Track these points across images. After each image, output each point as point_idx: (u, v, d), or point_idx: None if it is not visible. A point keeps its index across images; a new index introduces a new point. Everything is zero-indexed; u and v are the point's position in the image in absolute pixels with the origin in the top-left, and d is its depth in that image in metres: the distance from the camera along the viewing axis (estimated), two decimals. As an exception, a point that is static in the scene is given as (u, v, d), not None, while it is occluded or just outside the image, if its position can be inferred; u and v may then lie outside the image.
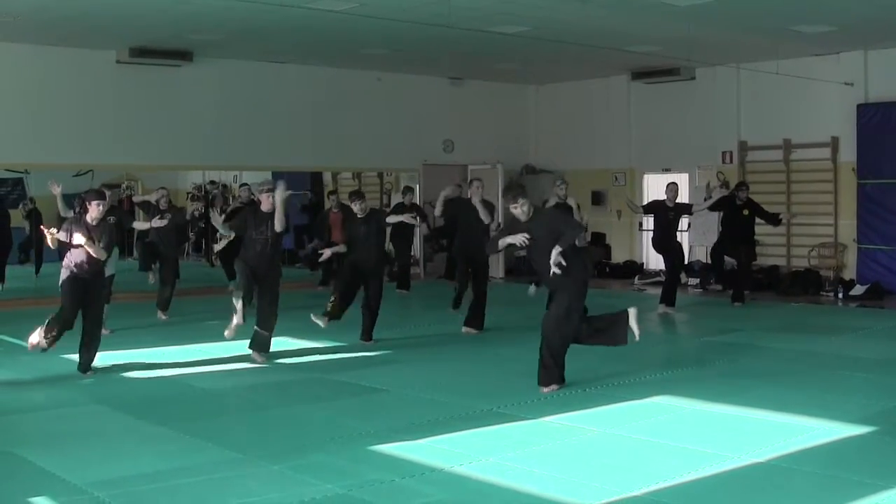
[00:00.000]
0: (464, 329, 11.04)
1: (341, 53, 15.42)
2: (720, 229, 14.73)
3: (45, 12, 11.96)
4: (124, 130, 14.96)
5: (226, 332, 9.40)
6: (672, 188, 13.13)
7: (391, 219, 11.37)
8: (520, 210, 7.73)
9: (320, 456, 6.08)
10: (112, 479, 5.61)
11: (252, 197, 14.25)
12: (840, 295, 14.63)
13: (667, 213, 12.91)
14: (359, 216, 10.47)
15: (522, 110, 19.82)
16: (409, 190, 16.47)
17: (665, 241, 13.05)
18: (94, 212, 8.70)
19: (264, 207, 9.43)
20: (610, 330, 7.89)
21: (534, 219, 7.79)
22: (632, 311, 7.86)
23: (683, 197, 17.15)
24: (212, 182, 19.40)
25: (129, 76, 14.92)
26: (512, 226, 7.94)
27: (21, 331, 11.48)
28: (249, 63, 15.93)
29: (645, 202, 16.10)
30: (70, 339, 8.93)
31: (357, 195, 10.70)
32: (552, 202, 11.51)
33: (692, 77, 17.05)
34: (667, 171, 17.77)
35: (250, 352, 9.49)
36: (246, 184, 15.87)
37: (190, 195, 19.68)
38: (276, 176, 19.07)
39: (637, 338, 7.88)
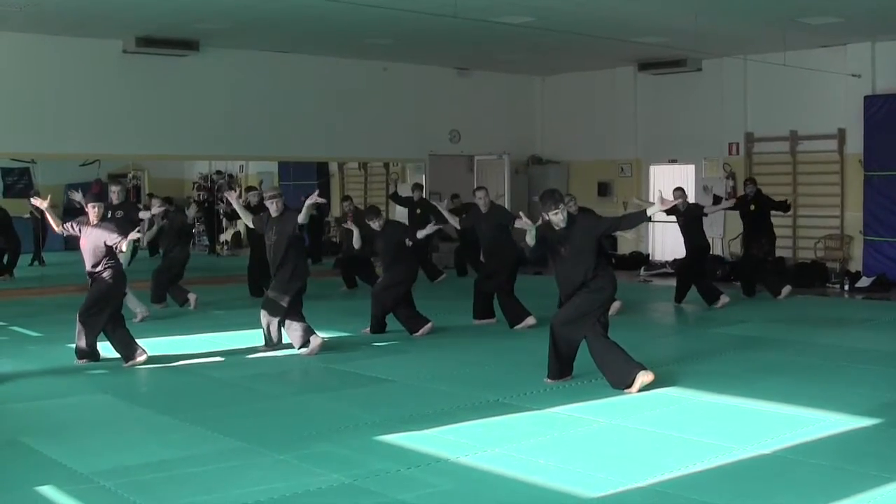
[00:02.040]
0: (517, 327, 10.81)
1: (347, 43, 15.39)
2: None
3: (49, 2, 11.93)
4: (130, 120, 14.94)
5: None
6: (678, 194, 12.98)
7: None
8: (560, 216, 7.57)
9: (326, 446, 6.08)
10: (118, 468, 5.63)
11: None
12: (846, 287, 14.58)
13: (680, 218, 12.79)
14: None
15: (529, 101, 19.78)
16: (418, 187, 16.47)
17: (686, 242, 13.00)
18: (92, 214, 8.89)
19: (273, 213, 9.42)
20: (616, 365, 7.58)
21: (570, 225, 7.64)
22: (644, 374, 7.48)
23: (689, 188, 17.16)
24: (218, 172, 19.42)
25: (135, 66, 14.89)
26: (547, 232, 7.71)
27: (28, 321, 11.55)
28: (255, 53, 15.90)
29: (651, 194, 16.05)
30: (71, 329, 8.96)
31: (372, 213, 10.71)
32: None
33: (699, 68, 17.00)
34: (673, 162, 17.76)
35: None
36: (254, 188, 15.05)
37: (196, 185, 19.72)
38: (282, 166, 19.17)
39: (632, 389, 7.50)
